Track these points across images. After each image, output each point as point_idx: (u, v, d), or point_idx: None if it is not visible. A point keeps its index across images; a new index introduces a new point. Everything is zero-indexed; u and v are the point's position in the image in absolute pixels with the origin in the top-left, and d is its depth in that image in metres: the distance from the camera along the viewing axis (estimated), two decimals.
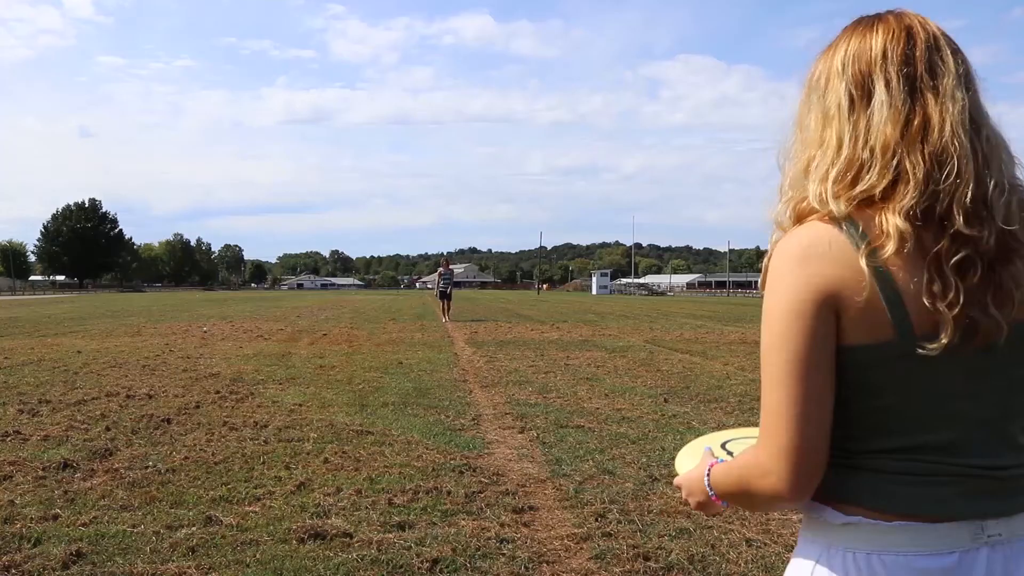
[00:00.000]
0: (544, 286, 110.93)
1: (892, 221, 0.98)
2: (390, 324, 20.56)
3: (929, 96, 1.02)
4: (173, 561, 3.40)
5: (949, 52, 1.05)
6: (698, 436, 1.43)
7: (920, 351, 0.98)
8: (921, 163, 1.00)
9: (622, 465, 5.11)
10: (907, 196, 0.99)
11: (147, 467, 4.97)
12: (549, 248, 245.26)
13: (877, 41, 1.06)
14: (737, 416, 7.04)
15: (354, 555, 3.48)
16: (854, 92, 1.06)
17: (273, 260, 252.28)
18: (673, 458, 1.47)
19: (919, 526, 1.02)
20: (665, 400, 7.85)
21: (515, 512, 4.11)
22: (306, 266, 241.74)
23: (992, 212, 0.99)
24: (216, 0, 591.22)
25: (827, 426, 1.02)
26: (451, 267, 24.00)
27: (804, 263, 1.02)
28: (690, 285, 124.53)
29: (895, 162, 1.01)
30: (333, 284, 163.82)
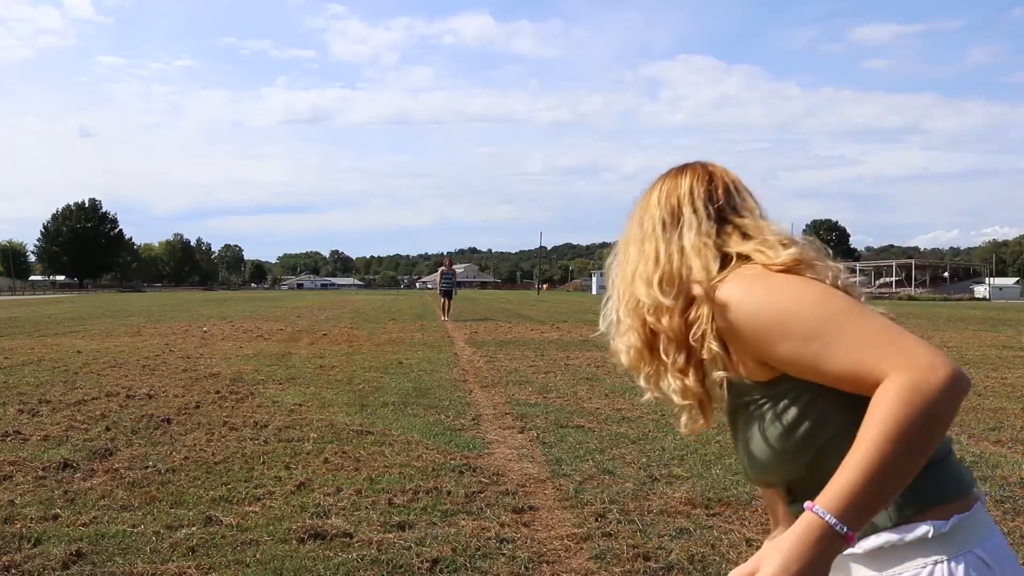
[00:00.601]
0: (544, 286, 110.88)
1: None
2: (390, 324, 20.55)
3: (736, 220, 1.27)
4: (173, 561, 3.40)
5: (747, 193, 1.33)
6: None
7: None
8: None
9: (622, 465, 5.11)
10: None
11: (147, 467, 4.97)
12: (549, 248, 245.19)
13: (684, 182, 1.32)
14: None
15: (354, 555, 3.48)
16: (667, 219, 1.29)
17: (273, 260, 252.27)
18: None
19: (978, 505, 1.06)
20: None
21: (515, 512, 4.11)
22: (306, 266, 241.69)
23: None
24: (216, 0, 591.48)
25: None
26: (453, 267, 23.99)
27: (807, 275, 1.19)
28: None
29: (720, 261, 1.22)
30: (333, 284, 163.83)
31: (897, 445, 0.91)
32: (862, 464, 0.91)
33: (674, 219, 1.28)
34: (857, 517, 0.92)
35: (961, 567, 0.99)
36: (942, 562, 0.99)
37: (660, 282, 1.23)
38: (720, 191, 1.29)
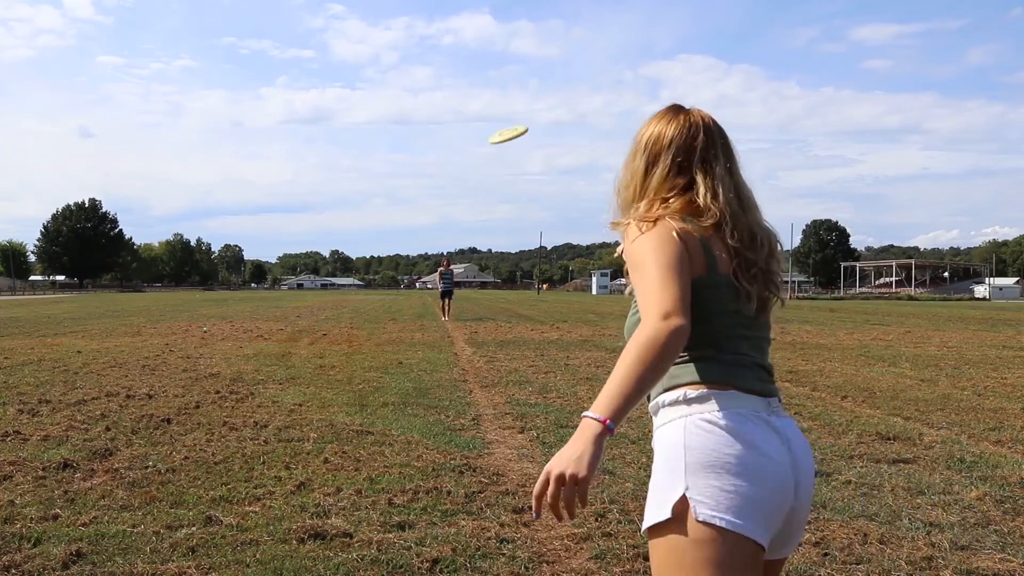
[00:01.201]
0: (544, 286, 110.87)
1: (704, 226, 1.63)
2: (390, 324, 20.55)
3: (705, 176, 1.66)
4: (173, 561, 3.40)
5: (720, 146, 1.69)
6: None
7: (724, 285, 1.60)
8: (714, 206, 1.64)
9: (622, 465, 5.11)
10: (712, 222, 1.63)
11: (147, 467, 4.97)
12: (549, 248, 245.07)
13: (669, 131, 1.70)
14: None
15: (354, 555, 3.48)
16: (648, 164, 1.71)
17: (273, 260, 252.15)
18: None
19: (741, 394, 1.55)
20: None
21: (515, 512, 4.11)
22: (306, 266, 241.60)
23: (759, 242, 1.66)
24: (216, 0, 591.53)
25: (689, 301, 1.49)
26: (451, 267, 24.01)
27: (663, 227, 1.58)
28: None
29: (702, 201, 1.66)
30: (333, 284, 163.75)
31: (635, 370, 1.41)
32: (615, 381, 1.42)
33: (652, 165, 1.70)
34: (614, 415, 1.41)
35: (694, 420, 1.52)
36: (683, 417, 1.54)
37: (622, 202, 1.77)
38: (691, 145, 1.68)
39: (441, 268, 23.72)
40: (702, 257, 1.57)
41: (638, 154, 1.71)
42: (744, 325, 1.61)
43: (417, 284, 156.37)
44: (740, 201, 1.66)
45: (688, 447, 1.48)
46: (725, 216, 1.61)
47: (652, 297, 1.47)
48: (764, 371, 1.61)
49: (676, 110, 1.73)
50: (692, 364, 1.56)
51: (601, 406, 1.40)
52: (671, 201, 1.64)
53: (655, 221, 1.59)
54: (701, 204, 1.62)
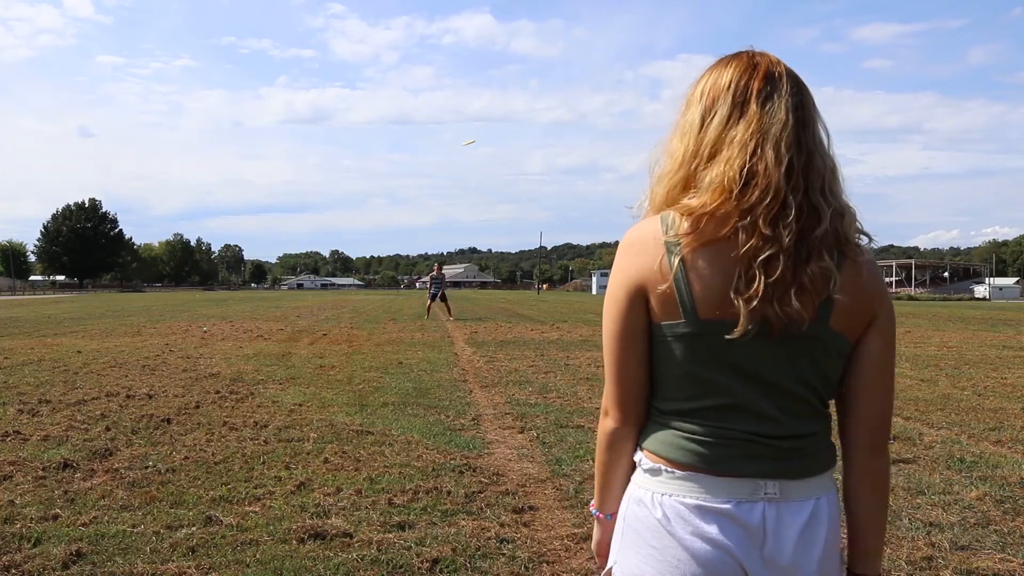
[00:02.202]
0: (544, 286, 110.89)
1: (689, 217, 1.20)
2: (390, 324, 20.55)
3: (752, 119, 1.22)
4: (173, 561, 3.40)
5: (788, 87, 1.24)
6: None
7: (705, 334, 1.20)
8: (729, 170, 1.19)
9: None
10: (709, 197, 1.19)
11: (147, 467, 4.97)
12: (549, 248, 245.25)
13: (727, 73, 1.28)
14: None
15: (354, 555, 3.48)
16: (704, 115, 1.27)
17: (273, 260, 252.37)
18: None
19: (704, 477, 1.24)
20: None
21: (515, 512, 4.11)
22: (306, 266, 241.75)
23: (796, 220, 1.17)
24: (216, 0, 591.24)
25: (641, 383, 1.29)
26: (443, 272, 24.27)
27: (626, 253, 1.27)
28: None
29: (710, 169, 1.22)
30: (333, 284, 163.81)
31: (597, 460, 1.38)
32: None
33: (711, 117, 1.28)
34: (598, 503, 1.40)
35: (636, 494, 1.30)
36: (634, 485, 1.32)
37: (672, 185, 1.32)
38: (757, 85, 1.27)
39: (432, 273, 24.04)
40: (676, 292, 1.21)
41: (692, 106, 1.31)
42: (745, 375, 1.22)
43: (417, 284, 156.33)
44: (798, 168, 1.20)
45: (627, 517, 1.32)
46: (766, 187, 1.17)
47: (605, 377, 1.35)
48: (759, 440, 1.23)
49: (732, 55, 1.34)
50: (655, 427, 1.30)
51: (595, 500, 1.44)
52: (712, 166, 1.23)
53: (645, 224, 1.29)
54: (726, 170, 1.20)
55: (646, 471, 1.29)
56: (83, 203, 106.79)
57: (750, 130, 1.21)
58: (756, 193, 1.17)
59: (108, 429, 6.13)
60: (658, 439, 1.29)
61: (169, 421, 6.50)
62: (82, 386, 8.49)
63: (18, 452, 5.36)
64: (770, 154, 1.18)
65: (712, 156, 1.23)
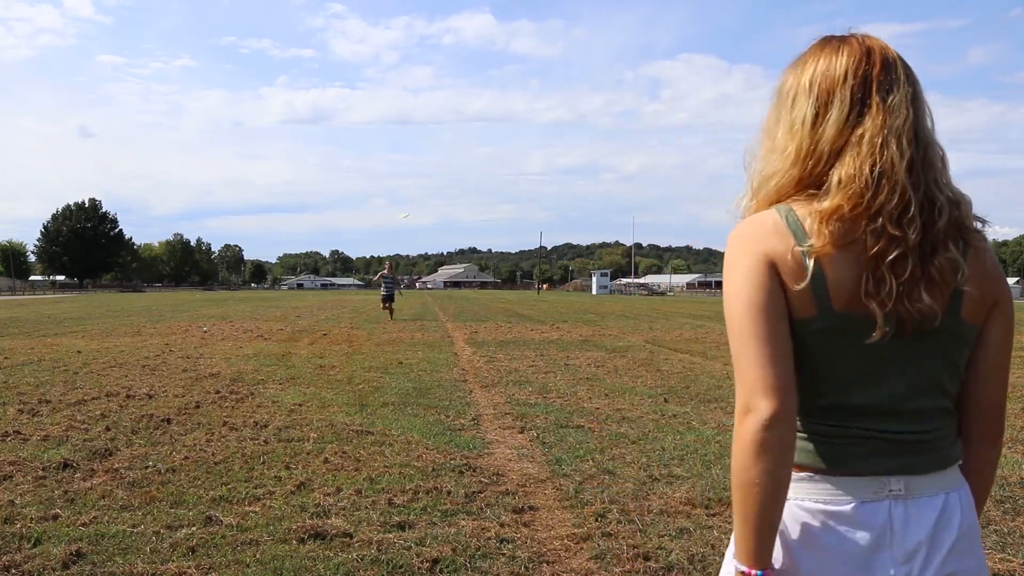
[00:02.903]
0: (544, 286, 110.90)
1: (823, 222, 1.14)
2: (390, 324, 20.55)
3: (876, 114, 1.16)
4: (173, 561, 3.40)
5: (903, 75, 1.19)
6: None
7: (839, 329, 1.15)
8: (861, 172, 1.14)
9: (622, 465, 5.11)
10: (843, 200, 1.14)
11: (147, 467, 4.97)
12: (549, 248, 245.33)
13: (840, 63, 1.20)
14: None
15: (354, 555, 3.48)
16: (819, 109, 1.20)
17: (273, 260, 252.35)
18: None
19: (824, 477, 1.18)
20: (665, 400, 7.85)
21: (515, 512, 4.11)
22: (306, 266, 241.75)
23: (919, 215, 1.14)
24: None
25: (790, 364, 1.14)
26: (394, 270, 23.48)
27: (749, 238, 1.18)
28: (690, 285, 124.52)
29: (838, 169, 1.16)
30: (333, 284, 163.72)
31: (735, 498, 1.14)
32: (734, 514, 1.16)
33: (825, 110, 1.20)
34: (746, 559, 1.14)
35: (794, 508, 1.19)
36: (792, 500, 1.19)
37: (788, 183, 1.24)
38: (868, 75, 1.19)
39: (383, 272, 23.06)
40: (811, 287, 1.15)
41: (799, 99, 1.21)
42: (875, 372, 1.18)
43: (417, 284, 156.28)
44: (918, 162, 1.16)
45: None
46: (894, 186, 1.13)
47: (736, 376, 1.16)
48: (887, 436, 1.19)
49: (837, 38, 1.24)
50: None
51: (739, 552, 1.17)
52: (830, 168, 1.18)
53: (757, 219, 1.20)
54: (859, 172, 1.14)
55: (796, 481, 1.20)
56: (83, 203, 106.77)
57: (877, 127, 1.15)
58: (884, 194, 1.13)
59: (108, 429, 6.13)
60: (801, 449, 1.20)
61: (169, 421, 6.50)
62: (82, 386, 8.49)
63: (18, 452, 5.36)
64: (895, 152, 1.14)
65: (835, 154, 1.17)
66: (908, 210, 1.13)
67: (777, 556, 1.17)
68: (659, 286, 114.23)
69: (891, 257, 1.12)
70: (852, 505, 1.17)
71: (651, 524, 3.92)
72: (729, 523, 3.90)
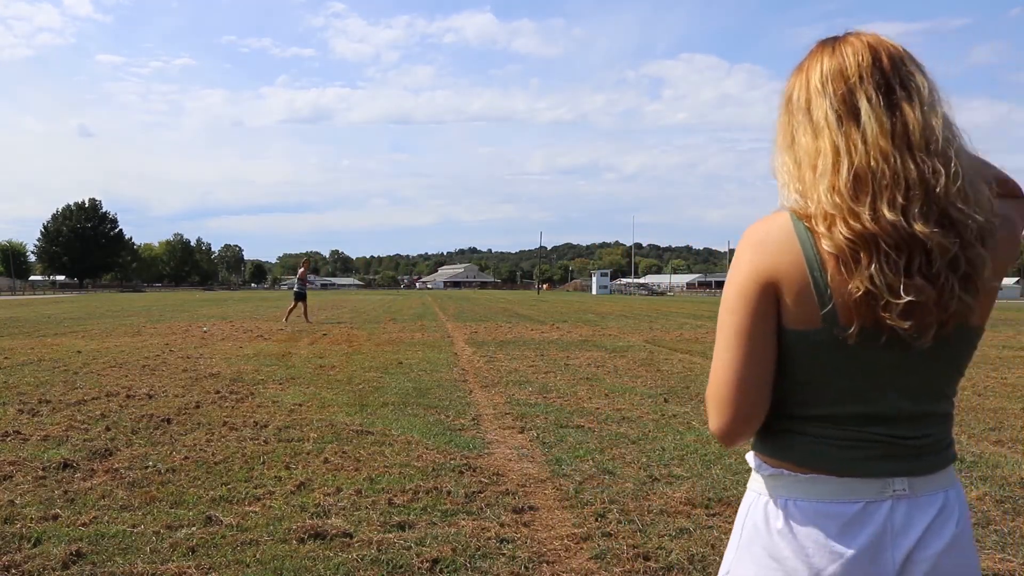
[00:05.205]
0: (544, 286, 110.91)
1: (832, 225, 1.12)
2: (390, 324, 20.55)
3: (911, 108, 1.14)
4: (173, 561, 3.40)
5: (916, 67, 1.17)
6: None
7: (842, 340, 1.14)
8: (912, 168, 1.11)
9: (622, 465, 5.11)
10: (859, 206, 1.11)
11: (147, 467, 4.97)
12: (549, 248, 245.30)
13: (848, 61, 1.18)
14: None
15: (354, 555, 3.48)
16: (840, 108, 1.16)
17: (273, 260, 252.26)
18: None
19: (830, 479, 1.20)
20: (665, 400, 7.85)
21: (515, 512, 4.11)
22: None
23: (952, 214, 1.10)
24: None
25: (762, 389, 1.20)
26: (309, 272, 22.35)
27: (756, 249, 1.18)
28: (690, 285, 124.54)
29: (897, 168, 1.11)
30: (333, 284, 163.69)
31: None
32: None
33: (848, 108, 1.16)
34: None
35: (759, 500, 1.25)
36: (754, 492, 1.27)
37: (845, 183, 1.16)
38: (890, 68, 1.17)
39: (301, 271, 21.88)
40: (817, 296, 1.14)
41: (813, 104, 1.19)
42: (885, 380, 1.19)
43: (417, 284, 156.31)
44: (935, 159, 1.12)
45: (745, 525, 1.28)
46: (912, 189, 1.10)
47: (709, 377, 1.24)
48: (893, 441, 1.20)
49: (836, 38, 1.23)
50: (781, 436, 1.25)
51: None
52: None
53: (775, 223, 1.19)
54: (873, 172, 1.11)
55: (767, 476, 1.25)
56: (83, 203, 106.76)
57: (911, 122, 1.12)
58: (900, 193, 1.10)
59: (108, 429, 6.13)
60: (782, 445, 1.24)
61: (169, 421, 6.50)
62: (82, 386, 8.49)
63: (18, 452, 5.36)
64: (910, 150, 1.12)
65: (851, 154, 1.13)
66: (923, 210, 1.10)
67: (785, 553, 1.20)
68: (659, 286, 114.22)
69: (904, 265, 1.09)
70: (860, 505, 1.19)
71: (651, 524, 3.92)
72: (729, 523, 3.90)
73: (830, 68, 1.19)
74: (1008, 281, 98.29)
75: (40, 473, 4.79)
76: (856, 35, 1.21)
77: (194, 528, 3.81)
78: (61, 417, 6.64)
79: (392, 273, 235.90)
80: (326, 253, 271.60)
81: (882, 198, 1.10)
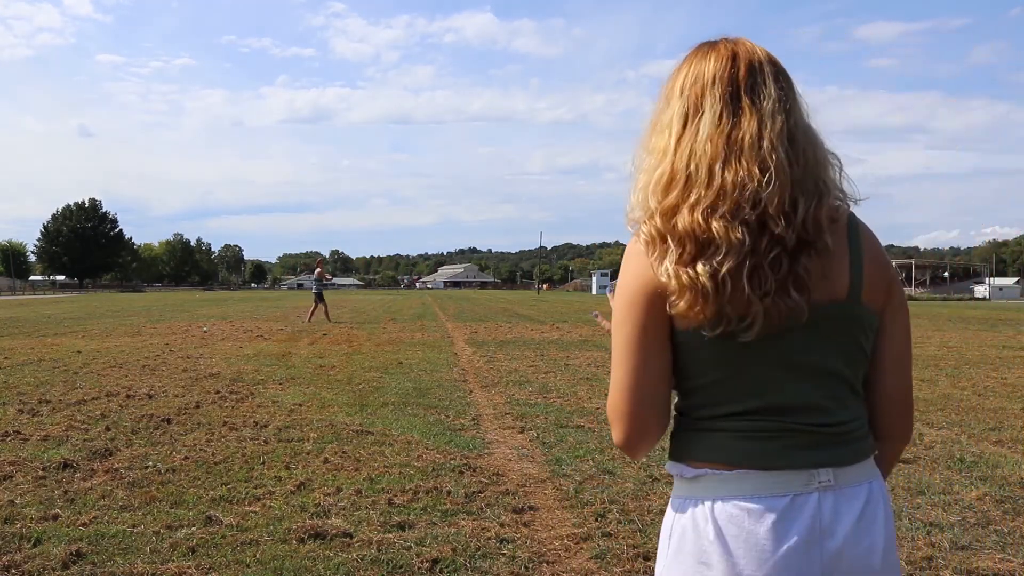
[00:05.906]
0: (544, 286, 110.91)
1: (697, 228, 1.15)
2: (390, 324, 20.55)
3: (750, 116, 1.18)
4: (173, 561, 3.40)
5: (771, 77, 1.21)
6: None
7: (730, 333, 1.16)
8: (730, 173, 1.15)
9: (622, 465, 5.11)
10: (721, 206, 1.14)
11: (147, 467, 4.97)
12: (549, 248, 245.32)
13: (709, 67, 1.23)
14: None
15: (354, 555, 3.48)
16: (688, 112, 1.22)
17: (273, 260, 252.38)
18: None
19: (756, 474, 1.19)
20: None
21: (515, 512, 4.11)
22: (306, 266, 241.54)
23: (796, 215, 1.15)
24: None
25: (658, 397, 1.22)
26: (324, 271, 22.69)
27: (638, 258, 1.22)
28: None
29: (719, 174, 1.16)
30: (333, 284, 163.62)
31: None
32: None
33: (696, 112, 1.22)
34: None
35: (689, 510, 1.23)
36: (677, 498, 1.26)
37: (652, 188, 1.25)
38: (742, 76, 1.22)
39: (317, 271, 22.20)
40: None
41: (671, 104, 1.25)
42: (788, 367, 1.20)
43: (417, 284, 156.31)
44: (791, 157, 1.17)
45: (672, 534, 1.27)
46: (766, 187, 1.14)
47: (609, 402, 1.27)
48: (810, 429, 1.21)
49: (708, 43, 1.28)
50: (696, 435, 1.25)
51: None
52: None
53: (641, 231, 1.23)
54: (728, 173, 1.16)
55: (690, 479, 1.24)
56: (83, 203, 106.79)
57: (744, 129, 1.17)
58: (755, 192, 1.14)
59: (108, 429, 6.13)
60: (702, 446, 1.23)
61: (169, 421, 6.50)
62: (82, 386, 8.49)
63: (18, 452, 5.36)
64: (767, 150, 1.15)
65: (706, 156, 1.18)
66: (782, 208, 1.15)
67: (715, 556, 1.19)
68: None
69: (771, 256, 1.14)
70: (788, 499, 1.19)
71: (651, 524, 3.92)
72: None
73: (694, 72, 1.24)
74: (1008, 281, 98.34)
75: (40, 473, 4.79)
76: (729, 41, 1.26)
77: (194, 528, 3.81)
78: (61, 417, 6.64)
79: (392, 273, 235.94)
80: (326, 253, 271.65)
81: (687, 199, 1.16)
